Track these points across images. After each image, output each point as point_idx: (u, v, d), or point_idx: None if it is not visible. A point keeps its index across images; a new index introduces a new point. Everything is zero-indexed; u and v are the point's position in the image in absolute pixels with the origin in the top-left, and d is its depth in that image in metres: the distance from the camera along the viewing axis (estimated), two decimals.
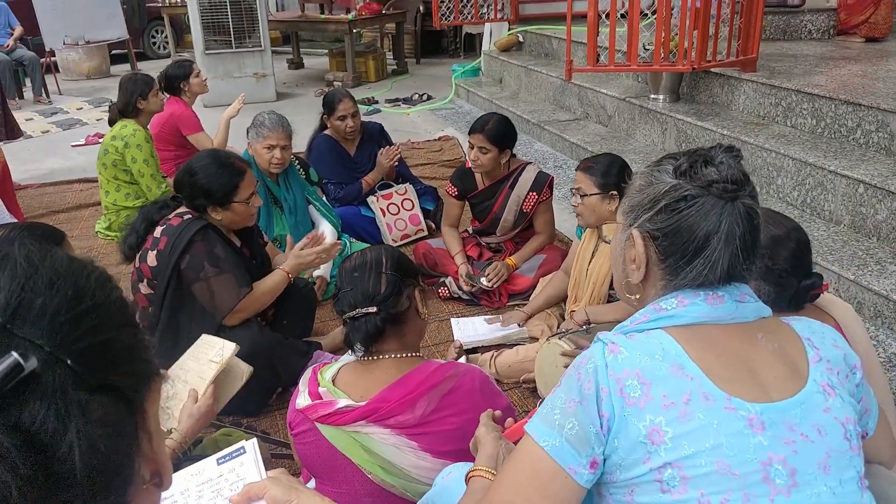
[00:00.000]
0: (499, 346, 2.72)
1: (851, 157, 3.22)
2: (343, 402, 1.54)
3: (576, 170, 2.59)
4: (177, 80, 4.32)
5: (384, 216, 3.75)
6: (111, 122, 3.93)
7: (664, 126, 4.40)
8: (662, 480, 0.96)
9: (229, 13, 7.27)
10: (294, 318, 2.70)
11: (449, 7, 6.62)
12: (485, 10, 6.85)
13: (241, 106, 4.40)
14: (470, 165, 3.17)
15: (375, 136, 3.95)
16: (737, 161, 1.07)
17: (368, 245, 3.30)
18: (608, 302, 2.55)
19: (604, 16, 4.09)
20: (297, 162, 3.40)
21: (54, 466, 0.48)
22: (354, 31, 8.42)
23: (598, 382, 1.00)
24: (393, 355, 1.59)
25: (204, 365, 1.80)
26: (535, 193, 3.13)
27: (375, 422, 1.51)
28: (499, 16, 6.93)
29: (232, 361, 1.85)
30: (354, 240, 3.57)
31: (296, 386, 1.67)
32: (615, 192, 2.43)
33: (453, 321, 2.98)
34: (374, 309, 1.55)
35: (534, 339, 2.72)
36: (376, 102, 7.38)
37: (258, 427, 2.32)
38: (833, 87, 3.64)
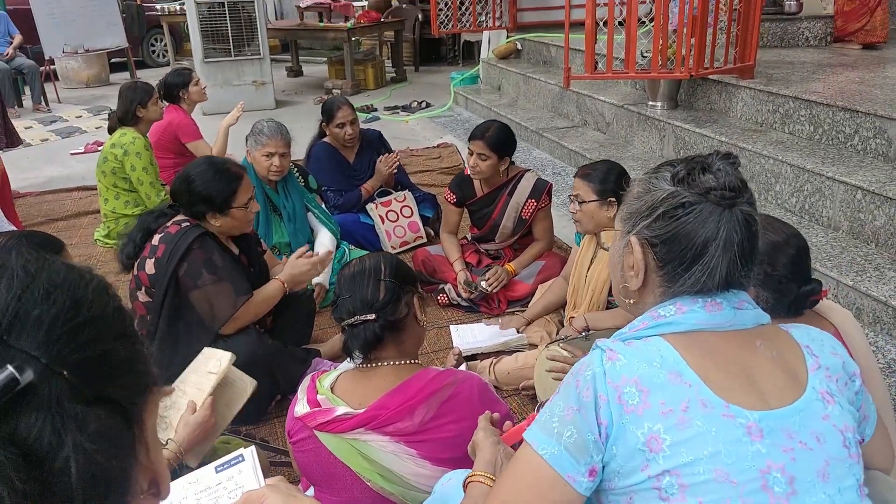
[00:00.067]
0: (498, 353, 2.72)
1: (849, 163, 3.23)
2: (342, 409, 1.53)
3: (574, 176, 2.59)
4: (176, 88, 4.32)
5: (383, 223, 3.76)
6: (111, 130, 3.93)
7: (662, 133, 4.41)
8: (661, 488, 0.96)
9: (228, 21, 7.29)
10: (293, 326, 2.70)
11: (447, 15, 6.64)
12: (483, 18, 6.88)
13: (240, 114, 4.41)
14: (469, 172, 3.18)
15: (374, 144, 3.96)
16: (734, 168, 1.07)
17: (367, 252, 3.30)
18: (607, 308, 2.55)
19: (602, 23, 4.10)
20: (295, 169, 3.41)
21: (51, 480, 0.47)
22: (353, 39, 8.45)
23: (597, 390, 1.00)
24: (391, 362, 1.59)
25: (203, 377, 1.80)
26: (533, 200, 3.13)
27: (374, 429, 1.51)
28: (497, 24, 6.95)
29: (233, 374, 1.85)
30: (353, 247, 3.57)
31: (295, 393, 1.67)
32: (613, 199, 2.44)
33: (452, 328, 2.98)
34: (373, 316, 1.55)
35: (533, 346, 2.72)
36: (375, 110, 7.40)
37: (257, 435, 2.32)
38: (830, 93, 3.65)
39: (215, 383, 1.77)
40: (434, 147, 5.86)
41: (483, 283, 3.08)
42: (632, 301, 1.14)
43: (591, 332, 2.40)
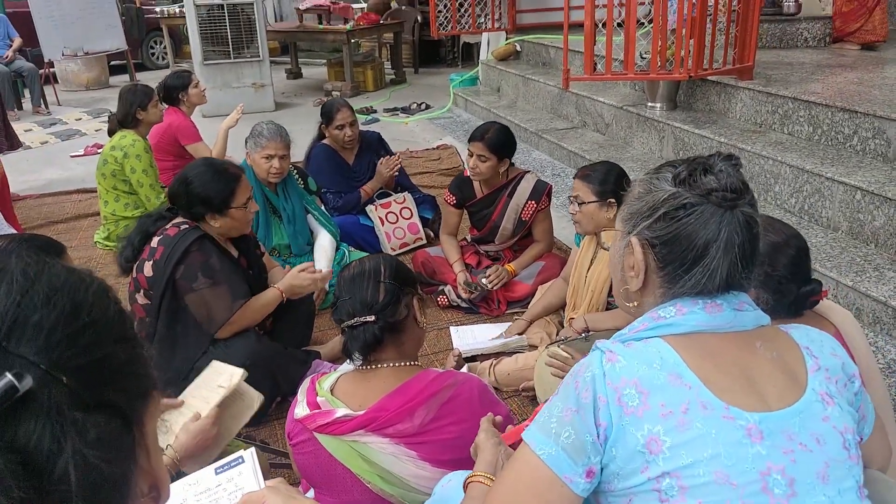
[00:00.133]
0: (498, 355, 2.72)
1: (848, 163, 3.23)
2: (341, 411, 1.53)
3: (573, 178, 2.59)
4: (175, 91, 4.33)
5: (383, 225, 3.76)
6: (110, 133, 3.94)
7: (661, 134, 4.41)
8: (661, 490, 0.96)
9: (227, 24, 7.29)
10: (293, 328, 2.70)
11: (446, 17, 6.65)
12: (482, 19, 6.88)
13: (239, 116, 4.42)
14: (469, 174, 3.18)
15: (374, 146, 3.96)
16: (736, 169, 1.06)
17: (367, 254, 3.30)
18: (607, 309, 2.55)
19: (600, 25, 4.10)
20: (295, 171, 3.41)
21: (50, 488, 0.47)
22: (352, 41, 8.45)
23: (596, 391, 1.00)
24: (391, 364, 1.59)
25: (212, 391, 1.81)
26: (533, 202, 3.14)
27: (374, 431, 1.50)
28: (496, 25, 6.96)
29: (242, 388, 1.85)
30: (353, 249, 3.57)
31: (294, 395, 1.67)
32: (613, 200, 2.44)
33: (452, 329, 2.98)
34: (373, 318, 1.55)
35: (533, 347, 2.72)
36: (375, 112, 7.40)
37: (257, 437, 2.32)
38: (829, 94, 3.65)
39: (223, 396, 1.77)
40: (433, 149, 5.86)
41: (483, 280, 3.09)
42: (632, 302, 1.14)
43: (590, 333, 2.39)
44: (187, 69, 4.84)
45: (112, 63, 9.76)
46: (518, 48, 7.03)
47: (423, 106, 7.50)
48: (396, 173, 3.86)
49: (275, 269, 2.76)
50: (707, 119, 4.23)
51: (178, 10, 9.74)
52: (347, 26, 8.26)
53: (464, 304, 3.17)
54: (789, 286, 1.49)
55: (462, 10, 6.64)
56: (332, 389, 1.61)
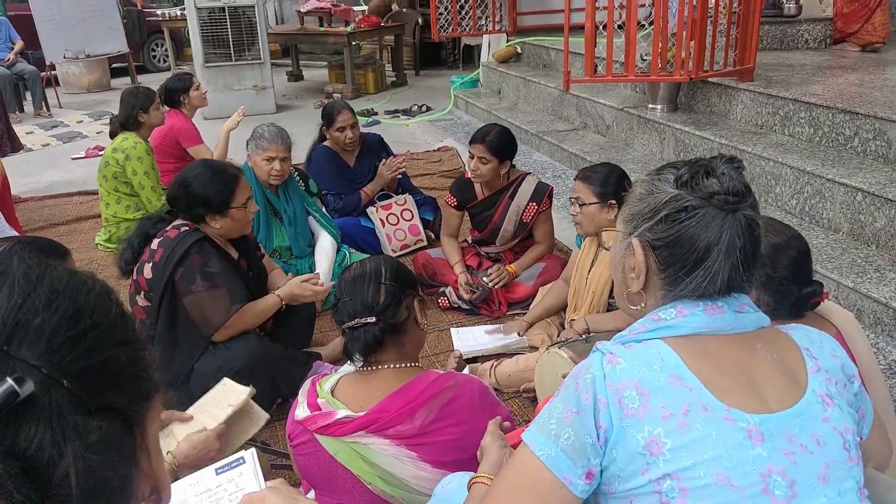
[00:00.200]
0: (499, 356, 2.72)
1: (849, 165, 3.23)
2: (342, 412, 1.53)
3: (574, 179, 2.60)
4: (177, 93, 4.34)
5: (383, 227, 3.76)
6: (112, 135, 3.94)
7: (662, 136, 4.41)
8: (661, 492, 0.96)
9: (229, 26, 7.30)
10: (293, 329, 2.70)
11: (447, 19, 6.65)
12: (483, 21, 6.89)
13: (240, 118, 4.42)
14: (469, 176, 3.18)
15: (375, 148, 3.96)
16: (738, 172, 1.06)
17: (368, 255, 3.31)
18: (608, 311, 2.55)
19: (601, 27, 4.11)
20: (296, 173, 3.41)
21: (50, 492, 0.47)
22: (353, 43, 8.46)
23: (596, 393, 1.00)
24: (392, 365, 1.59)
25: (221, 409, 1.82)
26: (535, 204, 3.14)
27: (374, 432, 1.50)
28: (497, 27, 6.97)
29: (249, 406, 1.86)
30: (354, 250, 3.57)
31: (295, 397, 1.67)
32: (614, 202, 2.44)
33: (453, 331, 2.98)
34: (373, 319, 1.55)
35: (534, 349, 2.72)
36: (375, 114, 7.41)
37: (258, 438, 2.31)
38: (830, 95, 3.65)
39: (230, 414, 1.77)
40: (434, 150, 5.87)
41: (485, 279, 3.09)
42: (633, 304, 1.14)
43: (591, 334, 2.39)
44: (188, 72, 4.86)
45: (113, 66, 9.78)
46: (519, 50, 7.04)
47: (423, 108, 7.50)
48: (400, 175, 3.86)
49: (275, 271, 2.77)
50: (708, 121, 4.23)
51: (179, 13, 9.76)
52: (348, 29, 8.27)
53: (464, 306, 3.17)
54: (790, 287, 1.49)
55: (463, 12, 6.65)
56: (332, 391, 1.61)
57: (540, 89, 6.11)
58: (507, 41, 7.14)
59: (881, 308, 2.58)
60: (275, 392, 2.43)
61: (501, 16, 6.94)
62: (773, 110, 3.90)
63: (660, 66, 4.01)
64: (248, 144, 3.26)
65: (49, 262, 0.55)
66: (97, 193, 4.09)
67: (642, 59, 4.24)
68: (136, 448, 0.55)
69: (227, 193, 2.33)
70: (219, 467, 1.28)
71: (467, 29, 6.81)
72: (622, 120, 4.88)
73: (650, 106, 4.62)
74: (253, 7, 7.34)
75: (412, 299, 1.63)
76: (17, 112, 7.73)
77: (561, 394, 1.05)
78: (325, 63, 9.72)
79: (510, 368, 2.55)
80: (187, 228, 2.32)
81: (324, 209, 3.52)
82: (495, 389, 2.44)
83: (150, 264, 2.27)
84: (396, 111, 7.51)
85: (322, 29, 8.93)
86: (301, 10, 9.39)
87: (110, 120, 4.07)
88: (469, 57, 9.97)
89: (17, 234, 3.26)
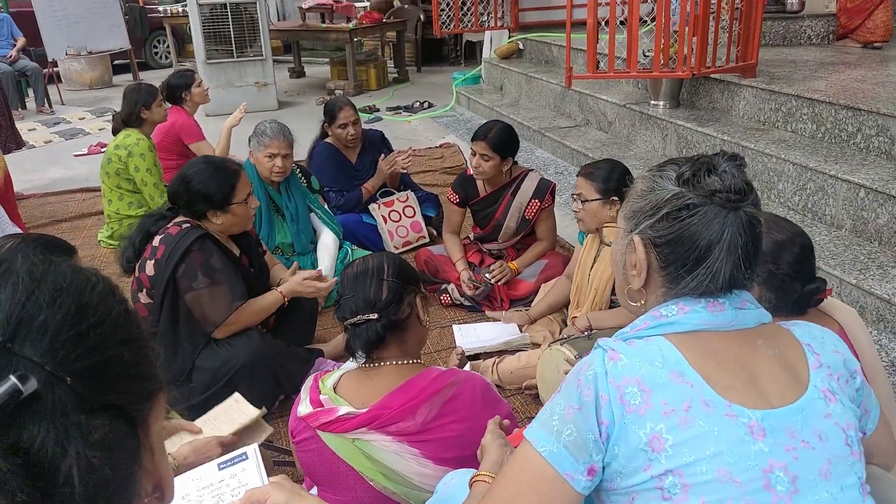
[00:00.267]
0: (501, 353, 2.72)
1: (852, 161, 3.23)
2: (344, 409, 1.54)
3: (577, 175, 2.59)
4: (178, 90, 4.34)
5: (385, 223, 3.76)
6: (115, 132, 3.95)
7: (665, 132, 4.41)
8: (663, 488, 0.96)
9: (230, 23, 7.30)
10: (296, 326, 2.71)
11: (449, 15, 6.64)
12: (485, 18, 6.88)
13: (242, 115, 4.42)
14: (472, 173, 3.18)
15: (376, 144, 3.96)
16: (740, 170, 1.06)
17: (370, 252, 3.31)
18: (610, 308, 2.55)
19: (603, 23, 4.10)
20: (298, 170, 3.41)
21: (53, 490, 0.47)
22: (355, 39, 8.46)
23: (598, 389, 1.00)
24: (394, 362, 1.59)
25: (229, 426, 1.84)
26: (537, 200, 3.13)
27: (377, 429, 1.51)
28: (499, 24, 6.96)
29: (255, 424, 1.88)
30: (356, 247, 3.57)
31: (298, 394, 1.67)
32: (616, 198, 2.44)
33: (455, 328, 2.98)
34: (376, 316, 1.55)
35: (536, 346, 2.72)
36: (377, 110, 7.40)
37: None
38: (833, 92, 3.65)
39: (236, 430, 1.78)
40: (436, 147, 5.86)
41: (487, 275, 3.09)
42: (634, 301, 1.14)
43: (593, 331, 2.39)
44: (190, 68, 4.86)
45: (115, 62, 9.78)
46: (521, 46, 7.02)
47: (425, 104, 7.50)
48: (404, 170, 3.85)
49: (276, 266, 2.77)
50: (710, 117, 4.22)
51: (181, 10, 9.75)
52: (350, 25, 8.26)
53: (466, 303, 3.17)
54: (793, 284, 1.49)
55: (465, 8, 6.64)
56: (335, 387, 1.61)
57: (542, 85, 6.10)
58: (509, 37, 7.13)
59: (884, 305, 2.58)
60: (277, 389, 2.44)
61: (503, 12, 6.92)
62: (775, 106, 3.89)
63: (662, 62, 4.01)
64: (250, 141, 3.26)
65: (53, 258, 0.55)
66: (99, 190, 4.10)
67: (644, 56, 4.23)
68: (140, 446, 0.55)
69: (228, 189, 2.34)
70: (221, 462, 1.28)
71: (469, 25, 6.80)
72: (624, 116, 4.87)
73: (652, 102, 4.62)
74: (255, 3, 7.33)
75: (414, 296, 1.63)
76: (19, 109, 7.73)
77: (563, 390, 1.05)
78: (327, 59, 9.72)
79: (512, 365, 2.56)
80: (189, 225, 2.32)
81: (326, 206, 3.52)
82: (497, 386, 2.44)
83: (152, 261, 2.28)
84: (398, 108, 7.51)
85: (324, 25, 8.92)
86: (303, 6, 9.38)
87: (113, 117, 4.07)
88: (471, 53, 9.95)
89: (19, 231, 3.26)
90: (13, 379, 0.46)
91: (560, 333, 2.70)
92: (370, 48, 9.90)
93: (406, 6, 10.09)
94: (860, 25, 4.92)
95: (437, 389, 1.53)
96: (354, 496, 1.56)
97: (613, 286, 2.48)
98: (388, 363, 1.59)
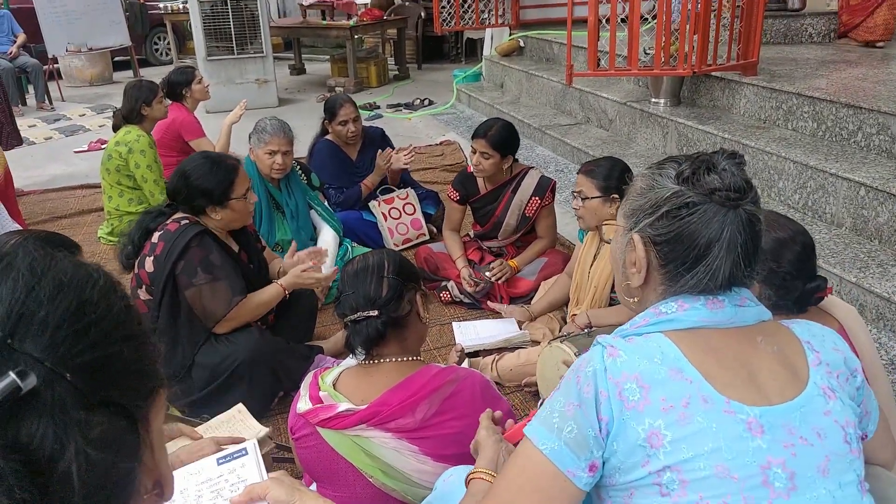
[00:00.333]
0: (500, 350, 2.72)
1: (853, 159, 3.22)
2: (344, 405, 1.54)
3: (577, 173, 2.59)
4: (179, 87, 4.33)
5: (386, 220, 3.76)
6: (115, 128, 3.95)
7: (665, 130, 4.40)
8: (661, 484, 0.96)
9: (231, 20, 7.29)
10: (295, 322, 2.71)
11: (450, 12, 6.64)
12: (486, 15, 6.87)
13: (242, 112, 4.42)
14: (472, 170, 3.18)
15: (377, 141, 3.96)
16: (740, 168, 1.06)
17: (370, 249, 3.31)
18: (610, 305, 2.55)
19: (604, 20, 4.09)
20: (298, 167, 3.41)
21: (52, 487, 0.46)
22: (356, 36, 8.45)
23: (597, 386, 1.00)
24: (394, 359, 1.59)
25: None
26: (537, 198, 3.13)
27: (376, 425, 1.51)
28: (500, 21, 6.95)
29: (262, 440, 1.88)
30: (356, 244, 3.57)
31: (297, 390, 1.67)
32: (616, 196, 2.44)
33: (455, 325, 2.98)
34: (376, 312, 1.55)
35: (535, 343, 2.72)
36: (378, 108, 7.40)
37: None
38: (834, 90, 3.64)
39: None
40: (437, 144, 5.86)
41: (487, 273, 3.09)
42: (633, 297, 1.14)
43: (593, 328, 2.39)
44: (191, 65, 4.85)
45: (115, 59, 9.77)
46: (521, 44, 7.02)
47: (426, 102, 7.49)
48: (406, 166, 3.84)
49: (275, 261, 2.77)
50: (711, 115, 4.22)
51: (181, 6, 9.75)
52: (351, 22, 8.25)
53: (466, 300, 3.17)
54: (794, 283, 1.49)
55: (465, 5, 6.63)
56: (334, 384, 1.61)
57: (543, 83, 6.10)
58: (510, 35, 7.12)
59: (884, 303, 2.58)
60: (276, 385, 2.44)
61: (504, 9, 6.92)
62: (776, 105, 3.89)
63: (663, 59, 4.00)
64: (250, 138, 3.26)
65: (55, 254, 0.54)
66: (100, 187, 4.10)
67: (645, 53, 4.23)
68: (140, 443, 0.54)
69: (227, 184, 2.34)
70: (220, 457, 1.28)
71: (470, 22, 6.79)
72: (625, 114, 4.87)
73: (653, 100, 4.61)
74: (255, 0, 7.32)
75: (414, 293, 1.63)
76: (19, 105, 7.73)
77: (562, 387, 1.05)
78: (328, 56, 9.71)
79: (512, 363, 2.56)
80: (187, 222, 2.32)
81: (326, 203, 3.52)
82: (497, 384, 2.44)
83: (151, 258, 2.28)
84: (399, 105, 7.50)
85: (324, 22, 8.92)
86: (303, 3, 9.36)
87: (113, 113, 4.07)
88: (472, 50, 9.94)
89: (19, 227, 3.27)
90: (12, 375, 0.45)
91: (560, 331, 2.70)
92: (371, 45, 9.89)
93: (407, 3, 10.07)
94: (861, 24, 4.91)
95: (436, 386, 1.53)
96: (353, 493, 1.56)
97: (613, 284, 2.48)
98: (387, 360, 1.59)
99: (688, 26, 3.82)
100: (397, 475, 1.53)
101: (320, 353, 2.62)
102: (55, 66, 8.72)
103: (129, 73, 9.49)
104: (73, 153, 6.08)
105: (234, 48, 7.40)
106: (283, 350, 2.46)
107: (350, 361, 1.66)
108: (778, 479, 0.96)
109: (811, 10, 5.32)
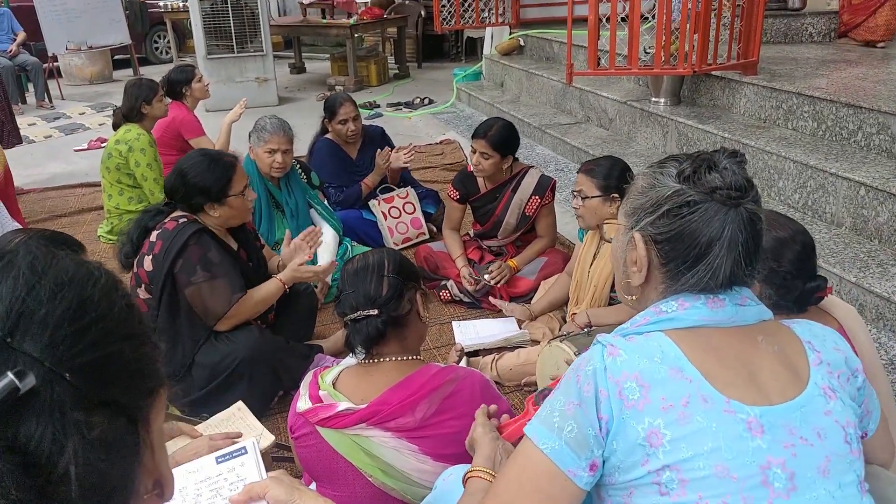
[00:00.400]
0: (500, 349, 2.72)
1: (853, 159, 3.22)
2: (343, 405, 1.54)
3: (577, 172, 2.59)
4: (179, 85, 4.33)
5: (385, 219, 3.76)
6: (115, 127, 3.94)
7: (665, 129, 4.40)
8: (661, 483, 0.96)
9: (231, 18, 7.29)
10: (295, 322, 2.71)
11: (450, 11, 6.63)
12: (486, 14, 6.87)
13: (242, 110, 4.42)
14: (472, 170, 3.18)
15: (377, 140, 3.96)
16: (741, 167, 1.06)
17: (370, 248, 3.31)
18: (610, 304, 2.55)
19: (604, 20, 4.09)
20: (298, 166, 3.41)
21: (49, 489, 0.46)
22: (356, 35, 8.44)
23: (597, 385, 1.00)
24: (394, 358, 1.59)
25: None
26: (537, 197, 3.13)
27: (376, 425, 1.51)
28: (500, 20, 6.95)
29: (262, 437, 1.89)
30: (356, 243, 3.57)
31: (297, 389, 1.67)
32: (616, 195, 2.43)
33: (454, 324, 2.98)
34: (376, 311, 1.55)
35: (535, 342, 2.72)
36: (378, 106, 7.39)
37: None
38: (834, 89, 3.64)
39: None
40: (437, 143, 5.86)
41: (486, 276, 3.09)
42: (634, 296, 1.14)
43: (593, 328, 2.39)
44: (191, 63, 4.85)
45: (115, 57, 9.76)
46: (522, 43, 7.02)
47: (426, 101, 7.49)
48: (406, 165, 3.84)
49: (273, 259, 2.77)
50: (711, 114, 4.22)
51: (181, 5, 9.74)
52: (351, 21, 8.25)
53: (466, 299, 3.17)
54: (795, 282, 1.49)
55: (465, 4, 6.63)
56: (334, 383, 1.61)
57: (543, 82, 6.09)
58: (510, 34, 7.12)
59: (883, 303, 2.58)
60: (276, 384, 2.44)
61: (504, 8, 6.91)
62: (776, 104, 3.89)
63: (663, 59, 4.00)
64: (250, 136, 3.26)
65: (56, 252, 0.54)
66: (99, 185, 4.10)
67: (645, 52, 4.22)
68: (140, 443, 0.54)
69: (225, 181, 2.33)
70: (219, 456, 1.28)
71: (470, 21, 6.79)
72: (625, 113, 4.86)
73: (653, 99, 4.61)
74: None
75: (414, 292, 1.63)
76: (19, 103, 7.72)
77: (562, 386, 1.05)
78: (328, 55, 9.70)
79: (511, 362, 2.56)
80: (185, 220, 2.32)
81: (326, 202, 3.52)
82: (496, 383, 2.44)
83: (150, 257, 2.28)
84: (399, 104, 7.50)
85: (325, 21, 8.92)
86: (303, 1, 9.36)
87: (113, 112, 4.07)
88: (472, 49, 9.94)
89: (19, 226, 3.26)
90: (10, 375, 0.45)
91: (559, 330, 2.70)
92: (371, 44, 9.89)
93: (407, 2, 10.07)
94: (862, 24, 4.90)
95: (436, 386, 1.53)
96: (353, 492, 1.56)
97: (613, 283, 2.48)
98: (387, 359, 1.59)
99: (688, 25, 3.82)
100: (397, 474, 1.53)
101: (320, 352, 2.62)
102: (55, 64, 8.72)
103: (129, 71, 9.49)
104: (73, 151, 6.07)
105: (234, 46, 7.40)
106: (283, 349, 2.46)
107: (350, 360, 1.66)
108: (777, 479, 0.96)
109: (811, 9, 5.32)
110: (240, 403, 1.98)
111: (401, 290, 1.59)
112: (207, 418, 1.96)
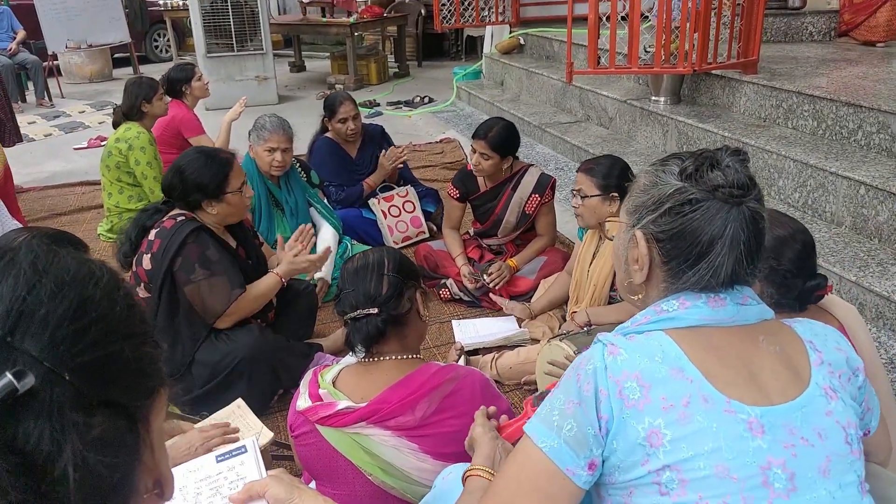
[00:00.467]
0: (500, 348, 2.72)
1: (853, 158, 3.22)
2: (343, 403, 1.54)
3: (577, 171, 2.59)
4: (179, 84, 4.33)
5: (385, 218, 3.76)
6: (115, 125, 3.94)
7: (665, 128, 4.40)
8: (661, 483, 0.96)
9: (231, 16, 7.29)
10: (295, 320, 2.71)
11: (450, 10, 6.63)
12: (486, 13, 6.86)
13: (242, 109, 4.41)
14: (472, 169, 3.17)
15: (377, 139, 3.96)
16: (743, 165, 1.05)
17: (370, 247, 3.31)
18: (609, 303, 2.55)
19: (604, 18, 4.09)
20: (298, 164, 3.41)
21: (47, 489, 0.46)
22: (356, 34, 8.44)
23: (598, 384, 1.00)
24: (393, 357, 1.59)
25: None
26: (537, 195, 3.13)
27: (376, 423, 1.51)
28: (500, 19, 6.94)
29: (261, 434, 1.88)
30: (356, 242, 3.57)
31: (297, 388, 1.67)
32: (616, 194, 2.43)
33: (454, 323, 2.98)
34: (376, 310, 1.55)
35: (535, 341, 2.72)
36: (378, 105, 7.39)
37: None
38: (834, 88, 3.64)
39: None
40: (437, 142, 5.86)
41: (485, 277, 3.08)
42: (635, 294, 1.14)
43: (593, 326, 2.39)
44: (191, 62, 4.85)
45: (115, 56, 9.76)
46: (522, 41, 7.01)
47: (426, 99, 7.48)
48: (401, 166, 3.85)
49: (273, 257, 2.77)
50: (711, 113, 4.22)
51: (181, 3, 9.74)
52: (351, 19, 8.24)
53: (466, 298, 3.17)
54: (794, 281, 1.49)
55: (465, 3, 6.62)
56: (334, 382, 1.61)
57: (543, 81, 6.09)
58: (510, 32, 7.11)
59: (883, 302, 2.58)
60: (276, 383, 2.44)
61: (504, 7, 6.91)
62: (776, 103, 3.88)
63: (663, 57, 4.00)
64: (249, 135, 3.26)
65: (58, 251, 0.53)
66: (99, 184, 4.09)
67: (646, 51, 4.22)
68: (140, 443, 0.54)
69: (222, 178, 2.33)
70: (219, 455, 1.28)
71: (470, 20, 6.78)
72: (625, 112, 4.86)
73: (653, 98, 4.61)
74: None
75: (414, 291, 1.63)
76: (19, 102, 7.72)
77: (562, 385, 1.05)
78: (328, 54, 9.70)
79: (511, 361, 2.56)
80: (184, 218, 2.32)
81: (325, 200, 3.52)
82: (496, 382, 2.44)
83: (149, 255, 2.28)
84: (399, 102, 7.49)
85: (325, 19, 8.91)
86: (303, 0, 9.35)
87: (113, 110, 4.06)
88: (472, 48, 9.93)
89: (19, 224, 3.26)
90: (9, 376, 0.45)
91: (559, 329, 2.70)
92: (371, 43, 9.88)
93: (407, 0, 10.07)
94: (862, 23, 4.90)
95: (436, 384, 1.53)
96: (353, 490, 1.56)
97: (613, 282, 2.48)
98: (387, 358, 1.59)
99: (688, 24, 3.81)
100: (397, 473, 1.53)
101: (320, 350, 2.62)
102: (55, 62, 8.71)
103: (129, 69, 9.47)
104: (73, 150, 6.07)
105: (234, 45, 7.40)
106: (283, 348, 2.46)
107: (350, 359, 1.66)
108: (778, 479, 0.95)
109: (811, 8, 5.31)
110: (239, 401, 1.98)
111: (401, 289, 1.59)
112: (207, 416, 1.96)
